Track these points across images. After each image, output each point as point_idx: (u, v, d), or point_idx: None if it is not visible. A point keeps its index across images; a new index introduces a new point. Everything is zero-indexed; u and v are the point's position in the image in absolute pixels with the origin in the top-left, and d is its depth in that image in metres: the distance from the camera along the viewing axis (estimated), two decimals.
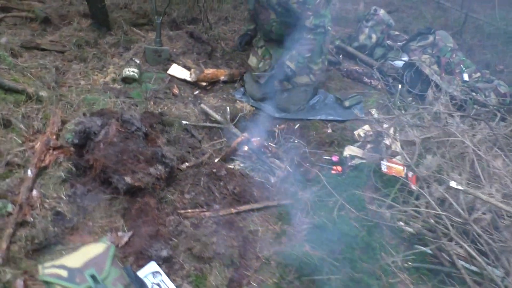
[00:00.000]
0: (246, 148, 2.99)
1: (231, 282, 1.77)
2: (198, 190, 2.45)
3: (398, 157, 2.65)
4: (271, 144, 3.13)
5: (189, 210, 2.35)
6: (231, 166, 2.97)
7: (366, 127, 3.04)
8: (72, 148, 2.35)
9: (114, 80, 3.27)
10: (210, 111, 3.17)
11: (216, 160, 2.77)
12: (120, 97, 2.99)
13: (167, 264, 1.79)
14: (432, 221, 1.93)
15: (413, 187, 2.29)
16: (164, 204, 2.36)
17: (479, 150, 1.97)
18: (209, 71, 3.59)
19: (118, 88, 3.15)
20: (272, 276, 1.99)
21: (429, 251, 2.03)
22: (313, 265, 1.92)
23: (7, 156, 1.97)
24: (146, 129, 2.50)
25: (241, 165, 3.07)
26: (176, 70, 3.60)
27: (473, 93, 3.49)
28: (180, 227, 2.27)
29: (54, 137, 2.39)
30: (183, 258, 1.84)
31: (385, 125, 2.79)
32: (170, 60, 3.65)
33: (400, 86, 3.51)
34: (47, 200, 1.86)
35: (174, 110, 3.12)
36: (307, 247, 2.05)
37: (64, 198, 1.94)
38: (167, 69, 3.55)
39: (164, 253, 1.81)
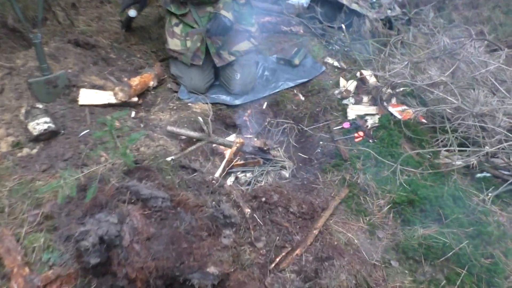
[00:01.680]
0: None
1: None
2: (265, 232, 2.11)
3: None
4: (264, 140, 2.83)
5: (277, 260, 1.97)
6: (230, 182, 2.69)
7: (347, 81, 2.99)
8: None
9: (17, 145, 2.31)
10: (183, 131, 2.64)
11: (216, 175, 2.49)
12: (55, 166, 2.13)
13: None
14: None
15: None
16: (251, 269, 1.93)
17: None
18: (135, 81, 2.85)
19: (36, 153, 2.24)
20: (404, 275, 2.07)
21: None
22: (440, 244, 2.08)
23: None
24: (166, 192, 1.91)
25: (246, 175, 2.79)
26: (89, 97, 2.76)
27: (389, 10, 3.73)
28: (289, 284, 1.91)
29: (27, 270, 1.63)
30: None
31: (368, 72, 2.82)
32: (70, 87, 2.73)
33: (342, 26, 3.44)
34: None
35: (144, 149, 2.43)
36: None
37: None
38: (74, 100, 2.65)
39: None
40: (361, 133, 2.73)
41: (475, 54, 2.38)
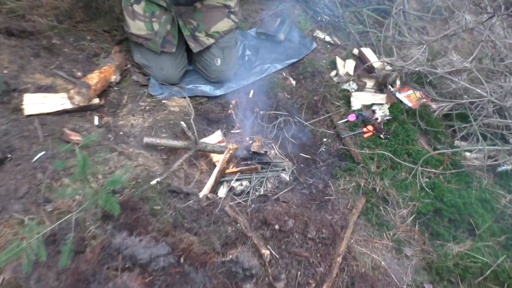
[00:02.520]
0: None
1: None
2: (283, 267, 1.94)
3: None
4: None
5: None
6: (223, 194, 2.43)
7: (344, 61, 2.67)
8: None
9: None
10: (164, 141, 2.28)
11: (205, 195, 2.20)
12: (8, 209, 1.79)
13: None
14: None
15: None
16: None
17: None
18: (93, 79, 2.35)
19: None
20: None
21: None
22: (479, 264, 1.96)
23: None
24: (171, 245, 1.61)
25: (242, 184, 2.51)
26: (36, 104, 2.29)
27: None
28: None
29: None
30: None
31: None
32: (9, 93, 2.20)
33: None
34: None
35: (122, 172, 2.04)
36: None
37: None
38: (17, 109, 2.16)
39: None
40: (370, 127, 2.48)
41: (502, 36, 2.10)
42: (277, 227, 2.01)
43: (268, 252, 1.84)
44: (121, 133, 2.39)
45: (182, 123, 2.39)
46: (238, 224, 2.02)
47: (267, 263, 1.83)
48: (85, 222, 1.77)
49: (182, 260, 1.67)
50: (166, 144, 2.35)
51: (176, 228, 1.94)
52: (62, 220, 1.68)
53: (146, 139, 2.30)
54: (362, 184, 2.30)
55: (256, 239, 1.90)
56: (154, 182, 2.11)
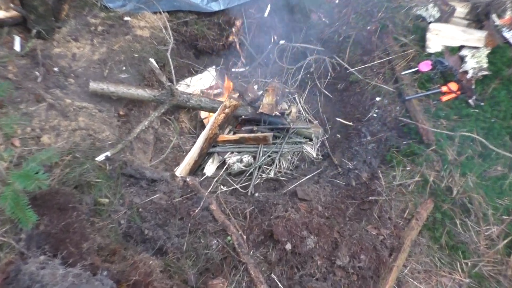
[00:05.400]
0: None
1: None
2: None
3: None
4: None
5: None
6: (211, 171, 2.32)
7: None
8: None
9: None
10: (122, 89, 2.26)
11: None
12: None
13: None
14: None
15: None
16: None
17: None
18: None
19: None
20: None
21: None
22: None
23: None
24: None
25: (243, 160, 2.33)
26: None
27: None
28: None
29: None
30: None
31: None
32: None
33: None
34: None
35: (51, 139, 1.96)
36: None
37: None
38: None
39: None
40: (453, 86, 2.23)
41: None
42: (288, 246, 1.82)
43: None
44: (55, 69, 2.19)
45: (152, 61, 2.12)
46: (229, 237, 1.83)
47: None
48: None
49: None
50: (126, 94, 2.14)
51: (130, 241, 1.78)
52: None
53: (94, 84, 2.08)
54: (431, 180, 2.06)
55: (254, 269, 1.69)
56: (101, 157, 1.93)
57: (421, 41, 2.45)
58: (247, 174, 2.26)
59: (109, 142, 1.98)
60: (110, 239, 1.70)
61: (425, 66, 2.35)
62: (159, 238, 1.78)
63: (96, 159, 1.88)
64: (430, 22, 2.46)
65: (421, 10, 2.51)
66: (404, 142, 2.22)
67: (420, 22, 2.50)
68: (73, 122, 1.97)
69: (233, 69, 2.63)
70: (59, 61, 2.18)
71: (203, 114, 2.37)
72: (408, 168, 2.14)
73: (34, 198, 1.75)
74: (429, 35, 2.40)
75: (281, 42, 2.56)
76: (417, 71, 2.37)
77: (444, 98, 2.27)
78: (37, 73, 2.11)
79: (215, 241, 1.82)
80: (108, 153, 1.90)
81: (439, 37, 2.40)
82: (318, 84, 2.51)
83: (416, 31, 2.48)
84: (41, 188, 1.54)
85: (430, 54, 2.40)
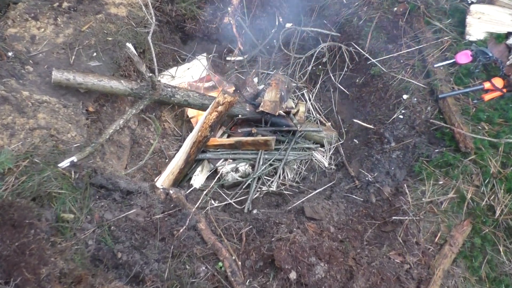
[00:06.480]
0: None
1: None
2: None
3: None
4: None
5: None
6: (199, 183, 2.32)
7: None
8: None
9: None
10: (92, 79, 2.29)
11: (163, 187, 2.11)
12: None
13: None
14: None
15: None
16: None
17: None
18: None
19: None
20: None
21: None
22: None
23: None
24: None
25: (239, 169, 2.34)
26: None
27: None
28: None
29: None
30: None
31: None
32: None
33: None
34: None
35: (5, 140, 1.88)
36: None
37: None
38: None
39: None
40: (498, 82, 2.22)
41: None
42: (293, 275, 1.82)
43: None
44: (10, 53, 2.20)
45: (130, 45, 2.14)
46: (220, 263, 1.84)
47: None
48: None
49: None
50: (96, 86, 2.16)
51: (99, 266, 1.77)
52: None
53: (57, 74, 2.08)
54: (469, 197, 2.05)
55: None
56: (65, 163, 1.94)
57: (460, 27, 2.46)
58: (244, 187, 2.28)
59: (75, 145, 2.01)
60: (75, 264, 1.69)
61: (464, 57, 2.34)
62: (135, 263, 1.79)
63: (59, 165, 1.90)
64: (471, 3, 2.46)
65: None
66: (436, 150, 2.23)
67: (458, 3, 2.51)
68: (31, 119, 2.00)
69: (228, 58, 2.64)
70: (15, 44, 2.20)
71: (190, 112, 2.40)
72: (440, 182, 2.15)
73: None
74: (469, 19, 2.41)
75: (288, 25, 2.55)
76: (454, 63, 2.37)
77: (487, 97, 2.27)
78: None
79: (204, 268, 1.82)
80: (74, 158, 1.93)
81: (482, 22, 2.41)
82: (332, 78, 2.53)
83: (454, 14, 2.48)
84: None
85: (471, 43, 2.40)
